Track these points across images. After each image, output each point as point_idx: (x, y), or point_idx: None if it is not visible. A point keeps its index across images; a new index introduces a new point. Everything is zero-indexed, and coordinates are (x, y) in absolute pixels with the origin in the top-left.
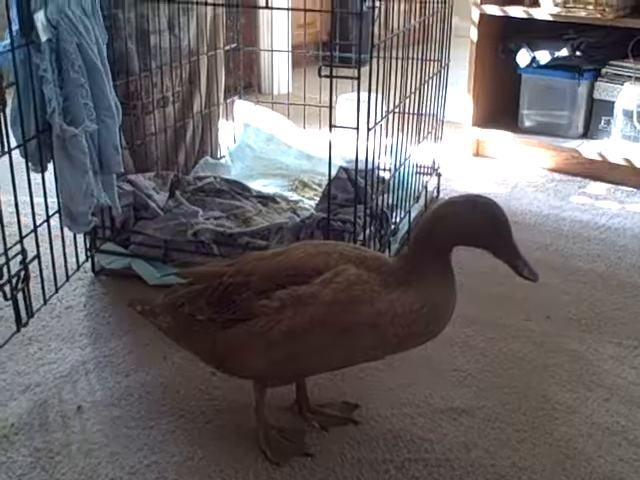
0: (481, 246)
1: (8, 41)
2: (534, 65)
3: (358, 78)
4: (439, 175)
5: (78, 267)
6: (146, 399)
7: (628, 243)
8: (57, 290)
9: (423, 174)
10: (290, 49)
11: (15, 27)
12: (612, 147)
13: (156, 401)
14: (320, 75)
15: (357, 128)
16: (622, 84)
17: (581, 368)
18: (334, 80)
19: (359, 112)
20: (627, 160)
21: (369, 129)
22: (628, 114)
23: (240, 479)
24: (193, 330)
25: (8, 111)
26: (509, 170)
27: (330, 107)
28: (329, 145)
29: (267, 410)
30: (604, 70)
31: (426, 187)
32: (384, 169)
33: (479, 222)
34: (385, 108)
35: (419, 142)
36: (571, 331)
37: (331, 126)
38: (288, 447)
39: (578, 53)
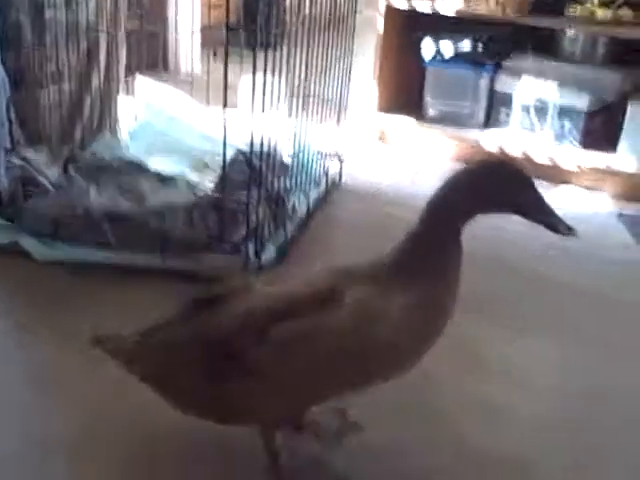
0: (509, 207)
1: None
2: (438, 58)
3: (254, 60)
4: (341, 160)
5: None
6: None
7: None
8: None
9: (325, 159)
10: (198, 29)
11: None
12: (511, 138)
13: None
14: (215, 55)
15: (252, 109)
16: (520, 78)
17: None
18: (242, 63)
19: (254, 94)
20: (524, 153)
21: (263, 111)
22: (525, 107)
23: None
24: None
25: None
26: (413, 158)
27: (225, 88)
28: (224, 126)
29: None
30: (505, 64)
31: (327, 172)
32: (286, 153)
33: (504, 181)
34: (288, 92)
35: (321, 126)
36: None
37: (225, 105)
38: None
39: (480, 47)
